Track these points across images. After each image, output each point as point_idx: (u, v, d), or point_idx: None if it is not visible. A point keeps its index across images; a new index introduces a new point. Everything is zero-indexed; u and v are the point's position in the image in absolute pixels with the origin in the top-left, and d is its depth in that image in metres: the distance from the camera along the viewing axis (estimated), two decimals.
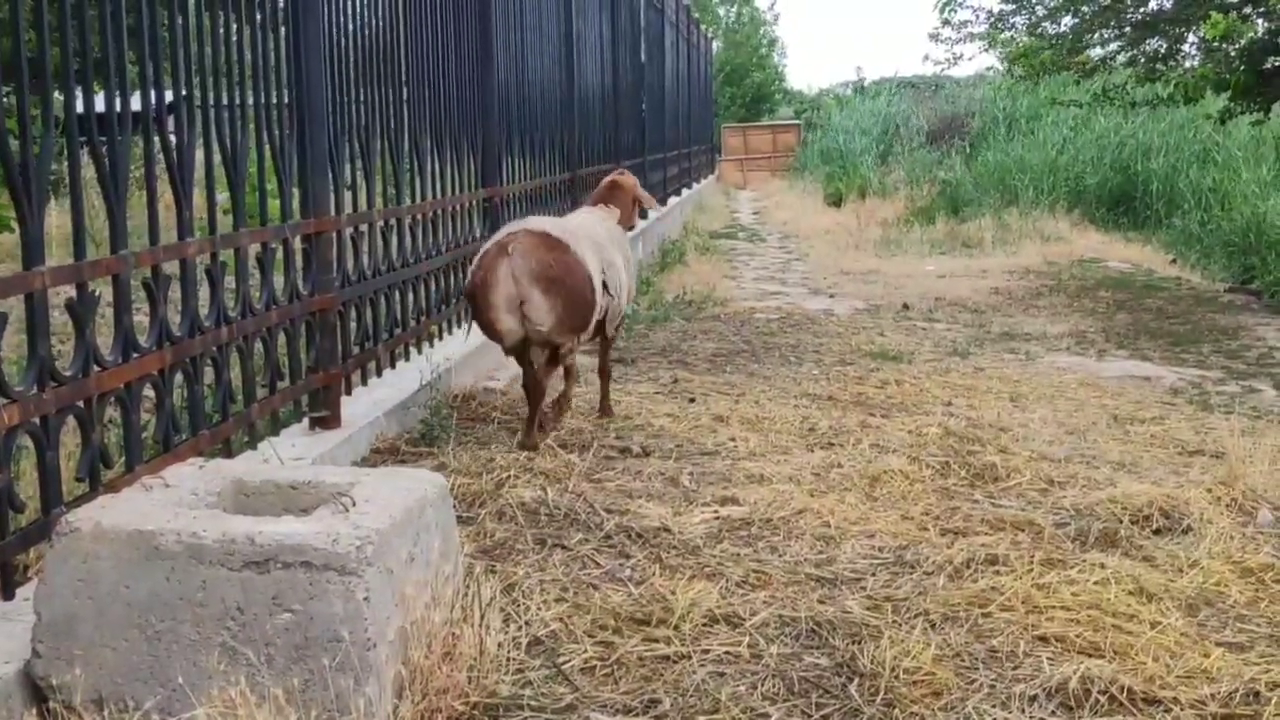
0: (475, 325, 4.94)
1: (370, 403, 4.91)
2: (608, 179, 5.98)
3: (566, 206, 9.11)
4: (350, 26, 5.02)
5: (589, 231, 5.13)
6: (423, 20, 5.92)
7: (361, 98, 5.14)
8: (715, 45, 34.51)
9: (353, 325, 4.93)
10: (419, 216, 5.74)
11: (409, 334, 5.53)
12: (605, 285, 4.96)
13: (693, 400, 6.12)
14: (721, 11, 41.86)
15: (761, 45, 41.40)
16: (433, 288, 5.91)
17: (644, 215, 6.79)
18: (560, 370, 5.07)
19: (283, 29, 4.42)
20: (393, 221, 5.40)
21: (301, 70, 4.47)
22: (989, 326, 9.92)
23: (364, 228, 5.08)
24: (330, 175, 4.66)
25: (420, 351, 5.61)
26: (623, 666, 2.89)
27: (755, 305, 10.54)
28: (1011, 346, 8.94)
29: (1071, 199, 19.01)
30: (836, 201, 22.55)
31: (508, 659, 2.87)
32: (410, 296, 5.57)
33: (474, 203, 6.70)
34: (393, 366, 5.36)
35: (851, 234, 17.16)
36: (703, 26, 26.09)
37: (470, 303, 4.83)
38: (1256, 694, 2.79)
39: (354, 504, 2.81)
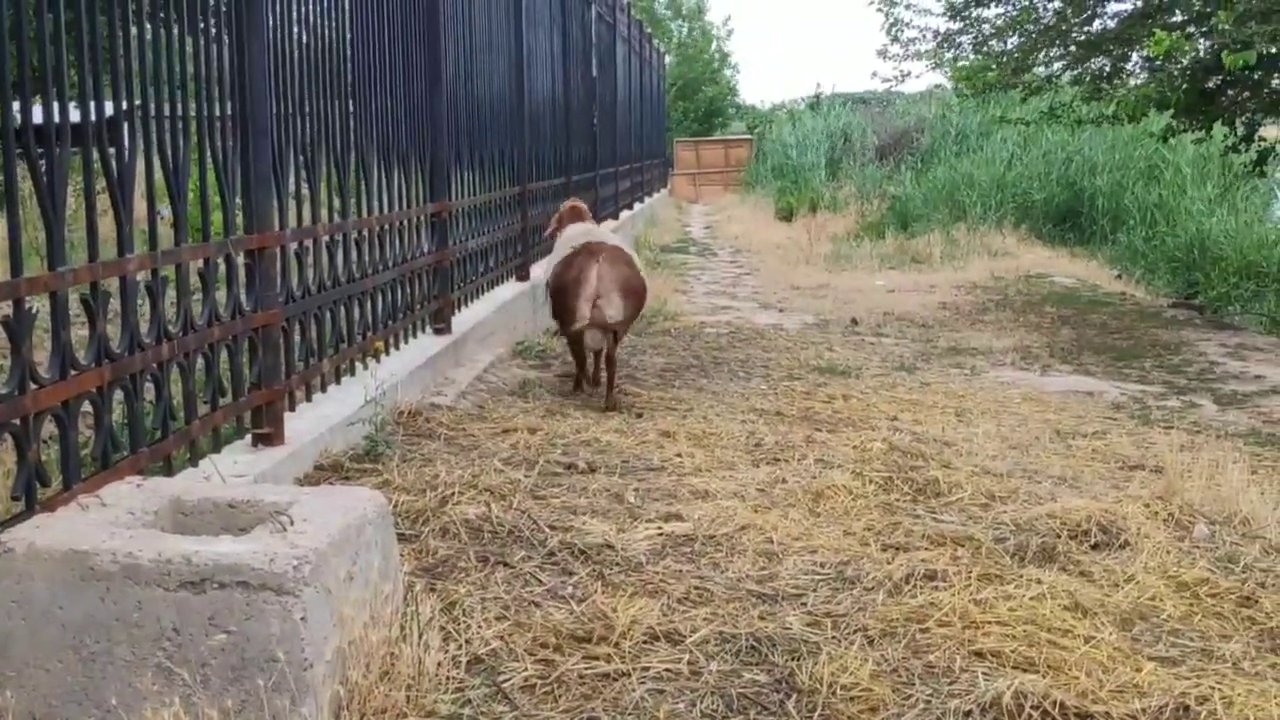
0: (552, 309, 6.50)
1: (314, 419, 4.88)
2: (572, 204, 7.52)
3: (516, 221, 9.10)
4: (295, 38, 5.00)
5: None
6: (370, 32, 5.90)
7: (307, 110, 5.12)
8: (668, 60, 34.62)
9: (297, 341, 4.90)
10: (365, 231, 5.72)
11: (355, 350, 5.51)
12: None
13: (640, 416, 6.14)
14: (674, 26, 42.00)
15: (714, 60, 41.57)
16: (379, 303, 5.88)
17: None
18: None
19: (226, 40, 4.39)
20: (338, 236, 5.38)
21: (245, 82, 4.44)
22: (936, 341, 10.00)
23: (309, 243, 5.05)
24: (274, 189, 4.63)
25: (366, 367, 5.58)
26: (563, 685, 2.89)
27: (705, 320, 10.58)
28: (958, 361, 9.02)
29: (1019, 215, 19.24)
30: (788, 216, 22.70)
31: (447, 678, 2.87)
32: (356, 312, 5.54)
33: (422, 217, 6.68)
34: (338, 382, 5.33)
35: (802, 248, 17.26)
36: (655, 41, 26.17)
37: (559, 292, 6.35)
38: (1186, 708, 2.83)
39: (292, 523, 2.80)
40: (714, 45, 42.16)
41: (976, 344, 9.99)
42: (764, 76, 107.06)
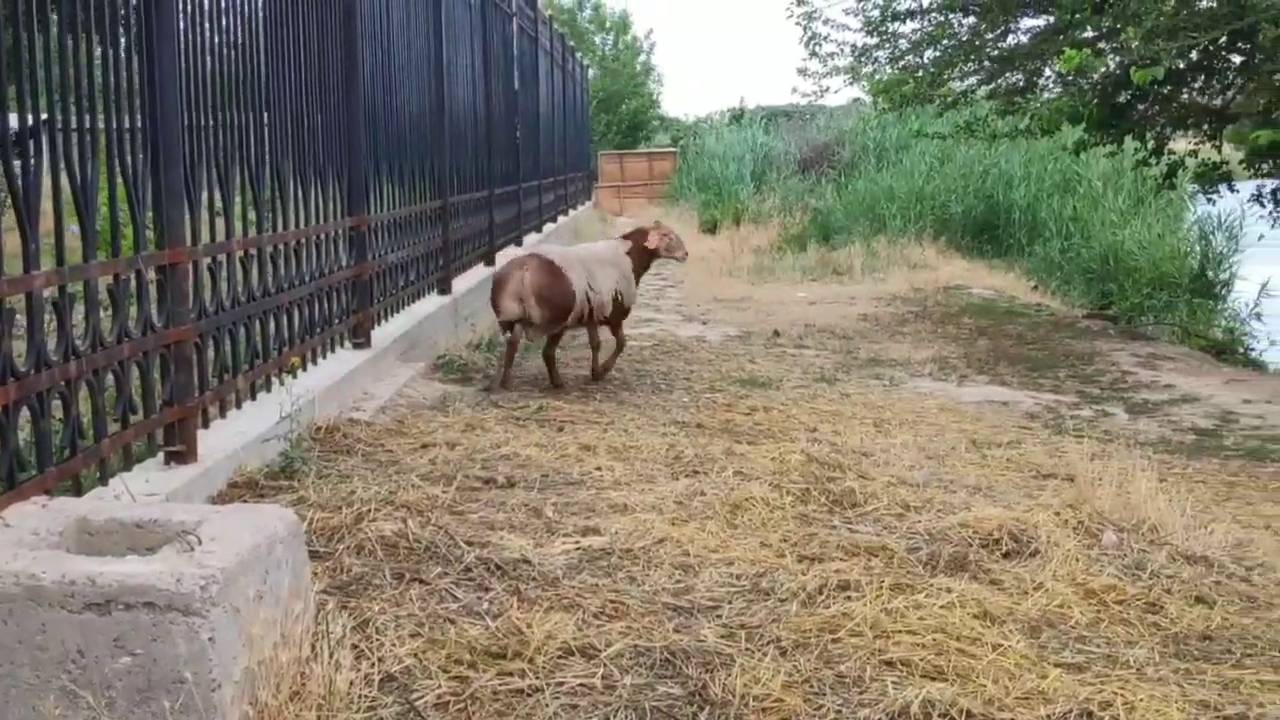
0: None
1: (229, 435, 4.82)
2: (637, 229, 8.39)
3: (437, 235, 9.06)
4: (208, 49, 4.95)
5: (590, 254, 7.88)
6: (285, 44, 5.86)
7: (220, 123, 5.07)
8: (592, 73, 34.65)
9: (211, 357, 4.84)
10: (280, 246, 5.66)
11: (270, 365, 5.45)
12: (590, 288, 7.50)
13: (561, 429, 6.13)
14: (598, 39, 42.07)
15: (638, 73, 41.69)
16: (296, 318, 5.83)
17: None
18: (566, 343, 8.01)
19: (135, 51, 4.33)
20: (253, 251, 5.32)
21: (155, 94, 4.38)
22: (856, 353, 10.12)
23: (222, 257, 5.00)
24: (186, 204, 4.57)
25: (283, 383, 5.52)
26: (476, 701, 2.89)
27: (628, 333, 10.50)
28: (877, 372, 9.13)
29: (938, 227, 19.52)
30: (711, 228, 22.83)
31: (359, 696, 2.85)
32: (272, 327, 5.49)
33: (340, 231, 6.63)
34: (254, 398, 5.27)
35: (725, 260, 17.37)
36: (578, 54, 26.20)
37: (493, 289, 7.47)
38: (1089, 714, 2.89)
39: (200, 542, 2.77)
40: (638, 58, 42.28)
41: (896, 355, 10.11)
42: (688, 89, 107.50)
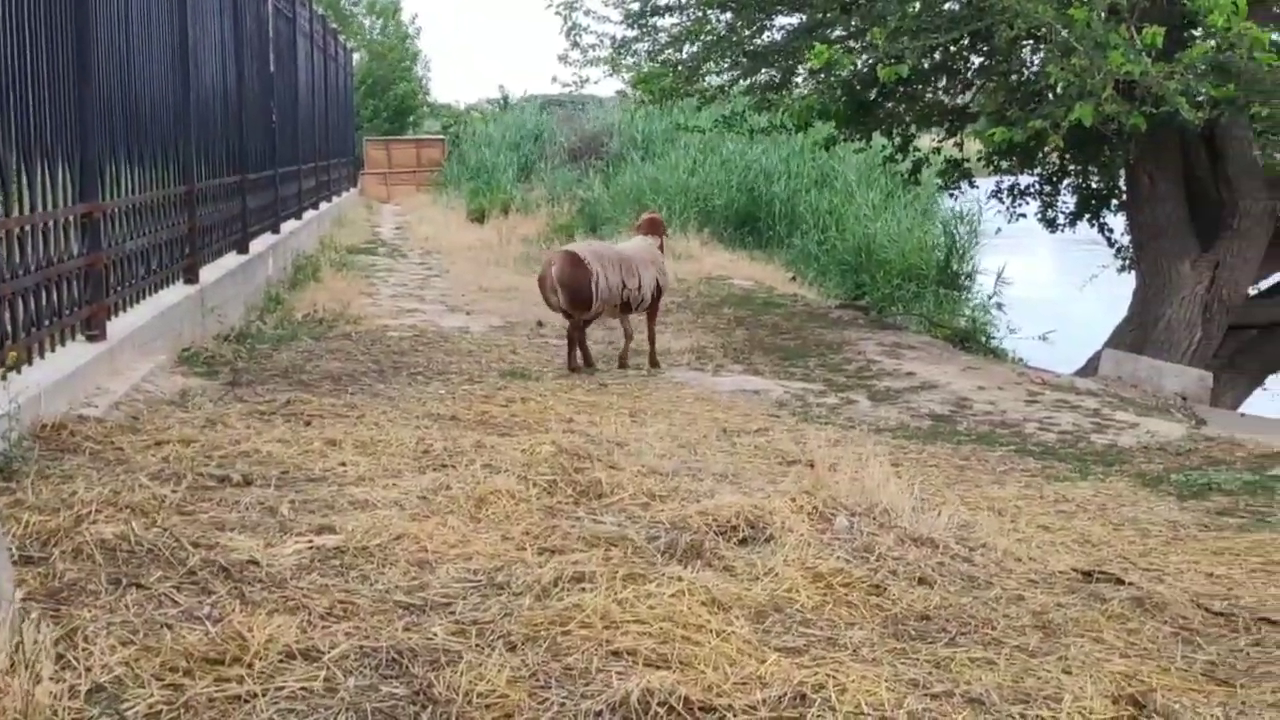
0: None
1: None
2: (648, 217, 9.75)
3: (183, 221, 8.71)
4: None
5: (620, 250, 9.01)
6: (5, 19, 5.52)
7: None
8: (357, 57, 33.92)
9: None
10: (1, 234, 5.35)
11: None
12: (625, 283, 8.64)
13: (309, 424, 5.99)
14: (367, 23, 41.21)
15: (405, 58, 41.00)
16: (20, 310, 5.51)
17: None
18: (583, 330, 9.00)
19: None
20: None
21: None
22: (618, 343, 10.20)
23: None
24: None
25: (4, 379, 5.21)
26: (190, 709, 2.78)
27: (389, 323, 10.43)
28: (637, 363, 9.23)
29: (702, 219, 19.88)
30: (480, 217, 22.67)
31: (63, 709, 2.71)
32: None
33: (70, 218, 6.29)
34: None
35: (493, 250, 17.27)
36: (342, 37, 25.62)
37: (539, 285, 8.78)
38: (804, 696, 2.97)
39: None
40: (406, 43, 41.60)
41: (656, 345, 10.24)
42: (458, 75, 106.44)
